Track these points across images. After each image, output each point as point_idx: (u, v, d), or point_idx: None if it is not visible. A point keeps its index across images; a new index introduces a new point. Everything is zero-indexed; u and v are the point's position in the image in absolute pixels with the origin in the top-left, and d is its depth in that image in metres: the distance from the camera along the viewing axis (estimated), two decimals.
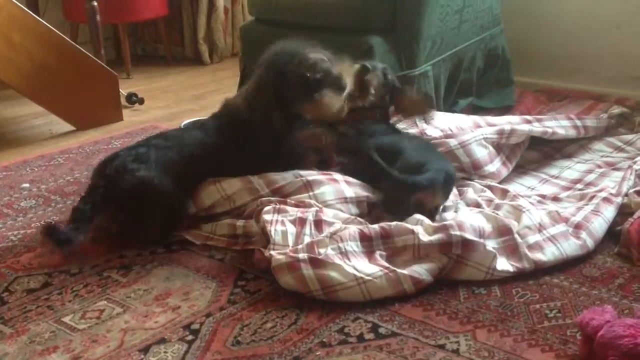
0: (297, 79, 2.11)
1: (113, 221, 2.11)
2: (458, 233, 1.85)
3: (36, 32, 3.11)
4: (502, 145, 2.39)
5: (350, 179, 2.17)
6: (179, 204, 2.11)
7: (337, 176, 2.16)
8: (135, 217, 2.08)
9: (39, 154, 2.94)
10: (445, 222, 1.90)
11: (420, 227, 1.89)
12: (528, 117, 2.60)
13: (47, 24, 3.18)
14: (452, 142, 2.31)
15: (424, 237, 1.85)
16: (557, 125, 2.56)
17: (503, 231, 1.93)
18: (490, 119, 2.58)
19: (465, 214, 1.97)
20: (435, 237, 1.85)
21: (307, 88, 2.11)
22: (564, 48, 3.24)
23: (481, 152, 2.32)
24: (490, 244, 1.88)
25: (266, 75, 2.16)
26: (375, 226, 1.91)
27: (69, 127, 3.28)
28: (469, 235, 1.85)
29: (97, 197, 2.05)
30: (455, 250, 1.85)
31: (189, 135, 2.24)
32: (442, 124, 2.38)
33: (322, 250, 1.84)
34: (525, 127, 2.46)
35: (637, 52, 3.06)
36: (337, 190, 2.11)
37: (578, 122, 2.64)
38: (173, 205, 2.10)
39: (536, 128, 2.49)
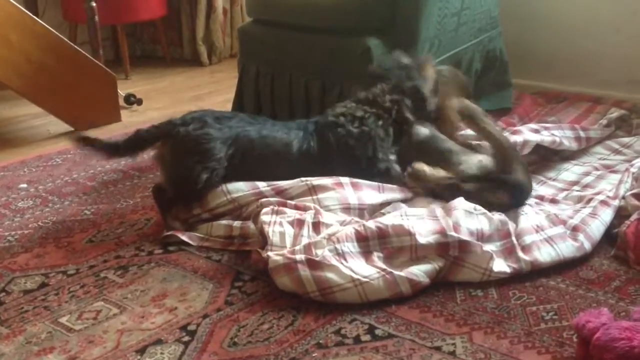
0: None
1: (161, 163, 2.23)
2: (455, 234, 1.85)
3: (34, 33, 3.11)
4: None
5: (360, 181, 2.15)
6: (210, 181, 2.14)
7: (344, 179, 2.15)
8: (175, 166, 2.16)
9: (37, 154, 2.94)
10: (442, 224, 1.90)
11: (419, 227, 1.89)
12: (535, 126, 2.61)
13: (45, 25, 3.18)
14: None
15: (421, 239, 1.85)
16: (563, 135, 2.58)
17: (503, 234, 1.94)
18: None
19: (464, 216, 1.96)
20: (432, 238, 1.85)
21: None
22: (561, 50, 3.24)
23: None
24: (489, 247, 1.88)
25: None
26: (372, 226, 1.90)
27: (67, 127, 3.28)
28: (466, 237, 1.86)
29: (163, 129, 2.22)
30: (452, 252, 1.85)
31: (275, 125, 2.30)
32: None
33: (319, 252, 1.83)
34: (537, 137, 2.48)
35: (634, 55, 3.06)
36: (341, 196, 2.10)
37: (582, 134, 2.65)
38: (205, 179, 2.13)
39: (546, 137, 2.50)
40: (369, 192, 2.14)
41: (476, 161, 2.16)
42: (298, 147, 2.22)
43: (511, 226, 1.97)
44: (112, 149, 2.24)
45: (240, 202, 2.13)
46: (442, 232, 1.86)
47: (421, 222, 1.92)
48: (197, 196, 2.15)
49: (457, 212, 1.95)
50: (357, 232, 1.89)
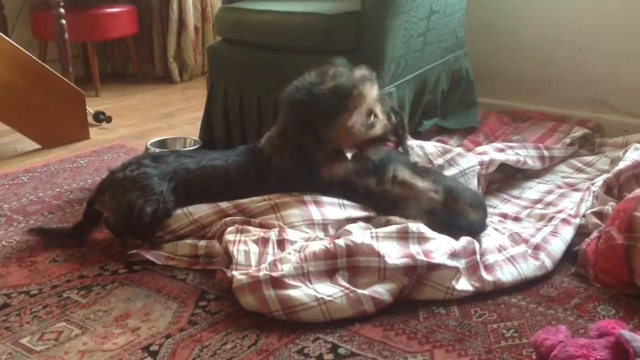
0: (326, 100, 2.11)
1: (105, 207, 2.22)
2: (424, 259, 1.87)
3: (2, 51, 3.09)
4: (481, 176, 2.44)
5: (322, 199, 2.16)
6: (156, 216, 2.14)
7: (307, 198, 2.16)
8: (118, 207, 2.16)
9: (3, 172, 2.92)
10: (411, 251, 1.91)
11: (388, 249, 1.89)
12: (500, 145, 2.65)
13: (13, 42, 3.17)
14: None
15: (390, 261, 1.85)
16: (527, 154, 2.63)
17: (468, 253, 1.95)
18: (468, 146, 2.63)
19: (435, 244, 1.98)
20: (400, 262, 1.86)
21: (338, 107, 2.12)
22: (526, 70, 3.30)
23: (473, 184, 2.37)
24: (457, 263, 1.90)
25: (291, 112, 2.20)
26: (342, 243, 1.90)
27: (34, 145, 3.26)
28: (435, 260, 1.87)
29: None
30: (420, 271, 1.86)
31: (214, 154, 2.33)
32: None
33: (285, 267, 1.84)
34: (502, 157, 2.52)
35: (597, 75, 3.12)
36: (304, 212, 2.12)
37: (545, 153, 2.70)
38: (151, 212, 2.12)
39: (511, 157, 2.55)
40: (332, 209, 2.15)
41: (426, 207, 2.17)
42: (237, 173, 2.23)
43: (476, 245, 1.99)
44: (78, 231, 2.25)
45: (203, 222, 2.14)
46: (411, 257, 1.87)
47: (391, 244, 1.92)
48: (146, 233, 2.14)
49: (428, 244, 1.95)
50: (326, 250, 1.89)
